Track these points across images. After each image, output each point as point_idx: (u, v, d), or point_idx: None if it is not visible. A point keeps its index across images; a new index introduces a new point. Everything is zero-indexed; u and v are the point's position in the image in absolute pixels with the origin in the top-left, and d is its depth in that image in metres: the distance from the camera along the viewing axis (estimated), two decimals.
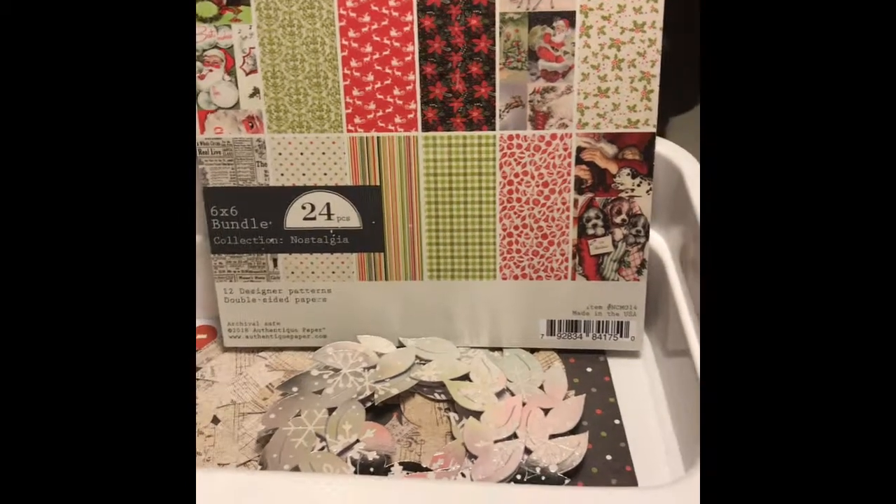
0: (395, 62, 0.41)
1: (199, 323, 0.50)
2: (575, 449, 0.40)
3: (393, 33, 0.40)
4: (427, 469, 0.39)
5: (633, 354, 0.46)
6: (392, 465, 0.39)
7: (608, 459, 0.40)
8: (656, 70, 0.40)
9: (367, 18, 0.40)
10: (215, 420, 0.43)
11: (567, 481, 0.38)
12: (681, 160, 0.45)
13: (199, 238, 0.47)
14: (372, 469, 0.39)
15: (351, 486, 0.33)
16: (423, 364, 0.45)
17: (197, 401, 0.44)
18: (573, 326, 0.45)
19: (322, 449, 0.40)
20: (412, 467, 0.39)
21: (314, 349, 0.46)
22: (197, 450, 0.41)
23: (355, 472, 0.39)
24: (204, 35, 0.40)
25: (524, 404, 0.42)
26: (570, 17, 0.39)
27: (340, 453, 0.40)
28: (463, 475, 0.39)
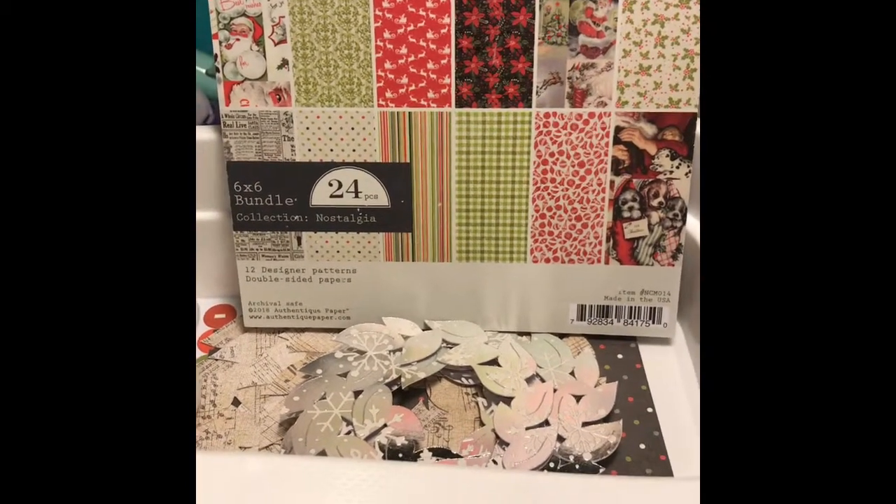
0: (429, 34, 0.39)
1: (218, 302, 0.49)
2: (609, 437, 0.38)
3: (429, 4, 0.39)
4: (457, 455, 0.38)
5: (664, 341, 0.45)
6: (421, 451, 0.38)
7: (642, 448, 0.39)
8: (699, 48, 0.39)
9: None
10: (236, 402, 0.42)
11: (601, 470, 0.37)
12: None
13: (220, 215, 0.46)
14: (401, 455, 0.38)
15: (385, 472, 0.32)
16: (450, 348, 0.43)
17: (217, 381, 0.43)
18: (604, 312, 0.44)
19: (349, 433, 0.39)
20: (441, 453, 0.38)
21: (337, 331, 0.45)
22: (218, 432, 0.40)
23: (384, 458, 0.38)
24: (232, 2, 0.39)
25: (555, 391, 0.41)
26: None
27: (368, 438, 0.38)
28: (494, 462, 0.38)
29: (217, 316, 0.48)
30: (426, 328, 0.45)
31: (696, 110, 0.40)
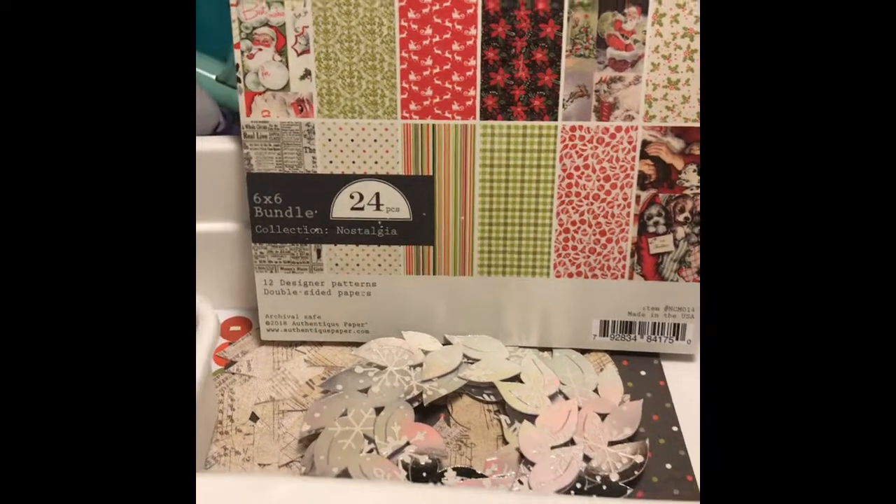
0: (455, 46, 0.39)
1: (233, 314, 0.48)
2: (636, 457, 0.38)
3: (455, 15, 0.38)
4: (482, 475, 0.37)
5: (687, 358, 0.45)
6: (445, 470, 0.38)
7: (668, 468, 0.38)
8: None
9: None
10: (254, 417, 0.41)
11: (629, 491, 0.37)
12: None
13: (238, 227, 0.45)
14: (424, 474, 0.37)
15: (413, 495, 0.31)
16: (471, 363, 0.43)
17: (234, 396, 0.42)
18: (627, 328, 0.44)
19: (371, 451, 0.38)
20: (465, 472, 0.38)
21: (355, 345, 0.45)
22: (236, 448, 0.39)
23: (407, 477, 0.37)
24: (254, 12, 0.38)
25: (579, 408, 0.40)
26: (643, 3, 0.37)
27: (390, 456, 0.38)
28: (520, 482, 0.37)
29: (232, 328, 0.47)
30: (446, 343, 0.44)
31: None
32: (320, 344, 0.45)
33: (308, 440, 0.39)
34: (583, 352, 0.44)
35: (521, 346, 0.44)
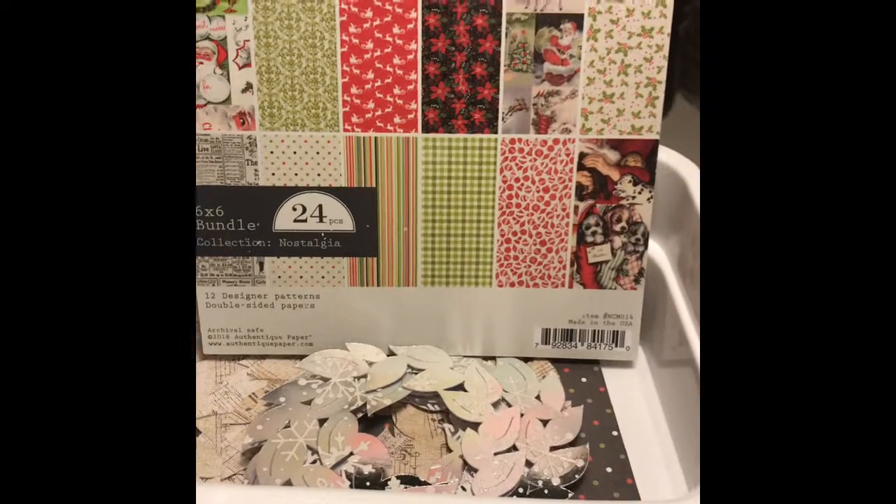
0: (396, 60, 0.39)
1: None
2: (577, 461, 0.39)
3: (396, 30, 0.39)
4: (425, 483, 0.38)
5: (626, 364, 0.46)
6: (388, 479, 0.38)
7: (609, 472, 0.39)
8: (662, 76, 0.40)
9: (369, 14, 0.38)
10: (196, 431, 0.41)
11: (570, 495, 0.37)
12: (682, 168, 0.45)
13: None
14: (368, 483, 0.37)
15: (353, 501, 0.31)
16: (416, 373, 0.43)
17: None
18: (568, 335, 0.45)
19: (314, 462, 0.38)
20: (409, 481, 0.38)
21: (299, 357, 0.44)
22: None
23: (351, 486, 0.37)
24: (196, 25, 0.38)
25: (522, 415, 0.41)
26: (578, 19, 0.39)
27: (334, 466, 0.38)
28: (463, 489, 0.37)
29: None
30: (391, 354, 0.44)
31: (657, 137, 0.41)
32: (263, 357, 0.45)
33: (251, 453, 0.39)
34: (526, 360, 0.45)
35: (465, 356, 0.45)
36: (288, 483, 0.37)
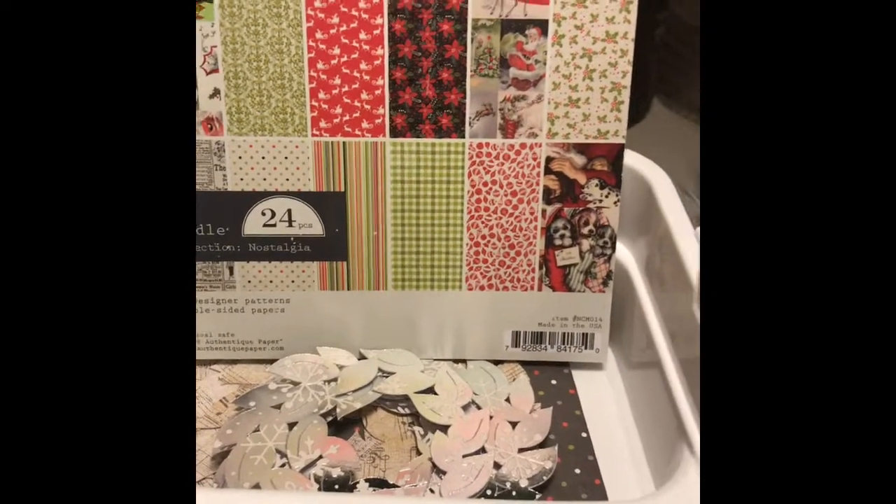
0: (363, 65, 0.40)
1: None
2: (545, 462, 0.39)
3: (362, 36, 0.39)
4: (394, 486, 0.38)
5: (596, 366, 0.46)
6: (357, 482, 0.38)
7: (577, 473, 0.40)
8: (627, 81, 0.40)
9: (335, 20, 0.39)
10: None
11: (538, 496, 0.38)
12: (648, 171, 0.45)
13: None
14: (337, 486, 0.37)
15: None
16: (386, 377, 0.43)
17: None
18: (538, 338, 0.45)
19: (283, 465, 0.38)
20: (378, 484, 0.38)
21: (270, 362, 0.45)
22: None
23: (319, 490, 0.37)
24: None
25: (491, 417, 0.41)
26: (542, 25, 0.39)
27: (303, 470, 0.38)
28: (431, 491, 0.38)
29: None
30: (362, 357, 0.45)
31: (623, 141, 0.41)
32: (234, 362, 0.45)
33: (220, 457, 0.39)
34: (496, 363, 0.45)
35: (435, 359, 0.45)
36: (256, 487, 0.37)
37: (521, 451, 0.40)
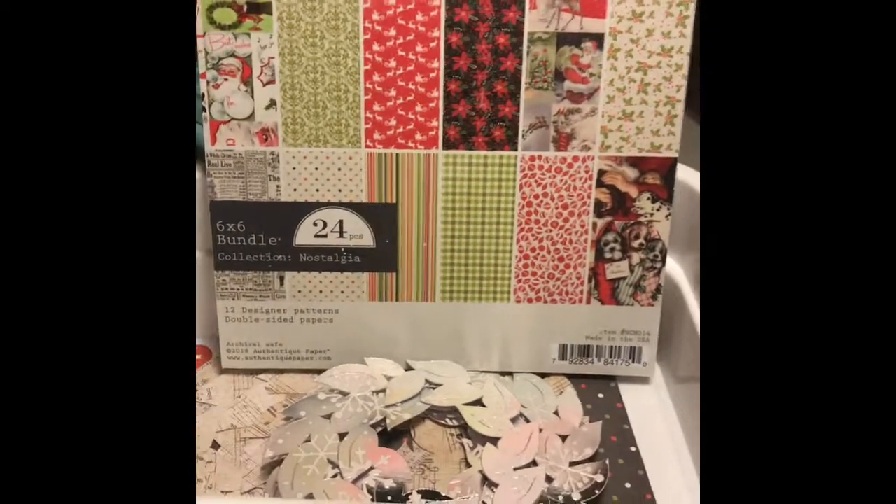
0: (419, 78, 0.40)
1: None
2: (596, 476, 0.39)
3: (419, 48, 0.39)
4: (446, 497, 0.38)
5: (643, 380, 0.46)
6: (409, 494, 0.38)
7: (627, 488, 0.39)
8: (681, 95, 0.40)
9: (392, 32, 0.39)
10: (215, 445, 0.41)
11: None
12: (699, 185, 0.45)
13: (200, 254, 0.45)
14: (389, 497, 0.37)
15: None
16: (434, 388, 0.43)
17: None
18: (585, 351, 0.45)
19: (335, 476, 0.38)
20: (430, 495, 0.38)
21: (317, 372, 0.45)
22: (198, 476, 0.39)
23: (372, 501, 0.37)
24: (221, 42, 0.39)
25: (541, 431, 0.41)
26: (598, 39, 0.39)
27: (355, 480, 0.38)
28: (484, 503, 0.37)
29: None
30: (408, 368, 0.45)
31: (676, 155, 0.41)
32: (282, 371, 0.45)
33: (271, 466, 0.39)
34: (542, 375, 0.45)
35: (482, 371, 0.45)
36: (310, 496, 0.37)
37: (572, 464, 0.39)
